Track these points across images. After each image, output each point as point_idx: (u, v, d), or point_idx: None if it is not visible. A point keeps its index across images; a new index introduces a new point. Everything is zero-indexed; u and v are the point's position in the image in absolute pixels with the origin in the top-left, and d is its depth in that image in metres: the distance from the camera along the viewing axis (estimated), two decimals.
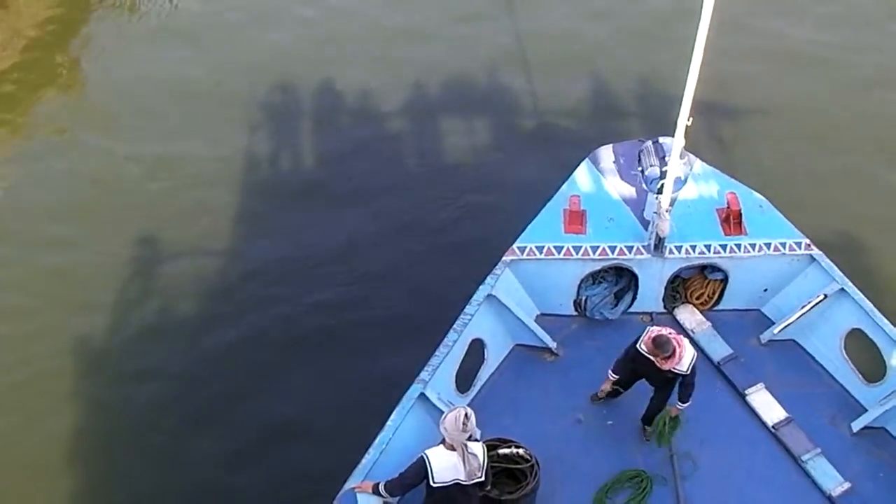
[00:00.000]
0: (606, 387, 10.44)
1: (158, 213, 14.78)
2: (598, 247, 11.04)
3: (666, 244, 10.97)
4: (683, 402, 9.88)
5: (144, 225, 14.60)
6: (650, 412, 10.15)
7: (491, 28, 18.59)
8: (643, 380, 10.08)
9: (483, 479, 8.56)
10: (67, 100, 17.13)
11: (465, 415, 8.35)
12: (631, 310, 11.47)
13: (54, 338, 13.10)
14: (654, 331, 9.62)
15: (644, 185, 11.03)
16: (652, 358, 9.57)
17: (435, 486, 8.43)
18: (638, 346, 9.74)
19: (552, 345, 11.10)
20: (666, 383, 9.86)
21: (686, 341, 9.70)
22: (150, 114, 16.50)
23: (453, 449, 8.42)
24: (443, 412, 8.86)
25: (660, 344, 9.45)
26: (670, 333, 9.59)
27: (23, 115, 16.77)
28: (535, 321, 11.22)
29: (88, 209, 14.87)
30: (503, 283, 10.91)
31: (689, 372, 9.60)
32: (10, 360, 12.86)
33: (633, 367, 9.98)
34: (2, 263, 14.08)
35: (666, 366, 9.52)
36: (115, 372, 12.84)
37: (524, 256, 11.01)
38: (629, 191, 11.58)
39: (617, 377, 10.26)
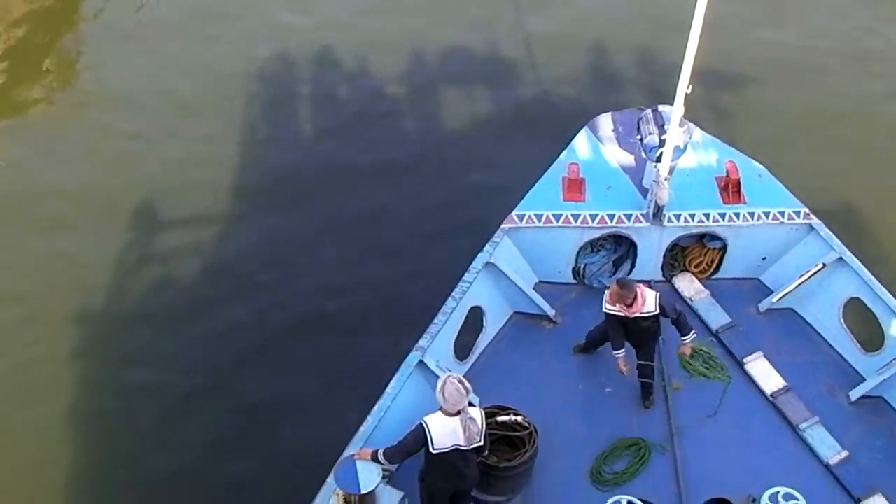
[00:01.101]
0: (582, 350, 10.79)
1: (153, 197, 14.68)
2: (596, 215, 11.03)
3: (665, 212, 10.95)
4: (687, 335, 9.98)
5: (139, 209, 14.50)
6: (645, 376, 10.15)
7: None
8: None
9: (482, 443, 8.59)
10: (64, 89, 16.95)
11: (459, 380, 8.37)
12: (629, 278, 11.40)
13: (46, 324, 13.01)
14: (612, 285, 9.69)
15: (643, 154, 10.97)
16: (621, 312, 9.62)
17: (434, 452, 8.43)
18: (604, 308, 9.76)
19: (551, 312, 11.10)
20: (643, 336, 9.90)
21: (642, 285, 9.78)
22: (147, 102, 16.35)
23: (451, 415, 8.42)
24: None
25: (623, 284, 9.57)
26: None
27: (14, 102, 16.63)
28: (534, 289, 11.21)
29: (84, 193, 14.74)
30: (502, 250, 10.90)
31: (658, 310, 9.66)
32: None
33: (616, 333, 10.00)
34: None
35: (633, 311, 9.58)
36: (107, 355, 12.74)
37: (523, 224, 10.99)
38: (628, 159, 11.53)
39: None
